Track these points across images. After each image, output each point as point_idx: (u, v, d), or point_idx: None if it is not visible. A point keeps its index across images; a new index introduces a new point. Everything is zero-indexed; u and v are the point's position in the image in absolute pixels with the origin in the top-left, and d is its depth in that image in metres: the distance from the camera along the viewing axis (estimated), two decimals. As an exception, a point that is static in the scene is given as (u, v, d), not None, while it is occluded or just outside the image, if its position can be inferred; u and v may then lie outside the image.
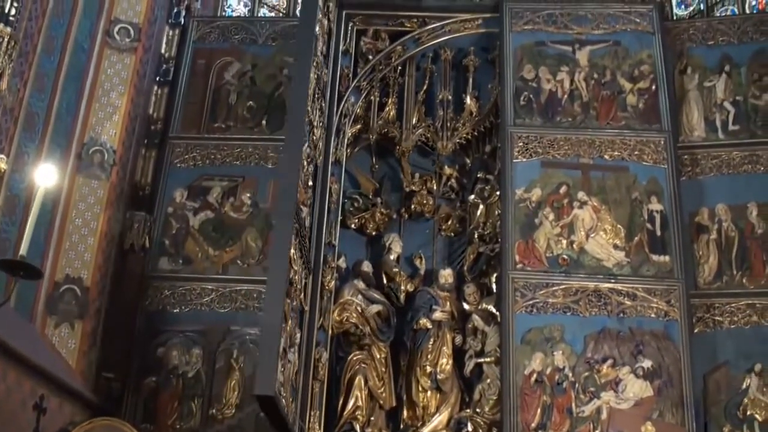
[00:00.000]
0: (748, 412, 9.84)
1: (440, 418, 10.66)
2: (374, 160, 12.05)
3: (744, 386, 9.95)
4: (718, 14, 13.69)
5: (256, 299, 10.57)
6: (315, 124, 10.39)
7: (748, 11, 13.37)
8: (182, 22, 11.77)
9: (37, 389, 8.37)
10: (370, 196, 11.83)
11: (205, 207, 11.04)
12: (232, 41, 11.90)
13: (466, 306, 11.19)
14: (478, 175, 11.75)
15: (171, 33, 11.60)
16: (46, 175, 6.45)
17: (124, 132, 10.47)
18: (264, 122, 11.46)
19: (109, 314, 10.12)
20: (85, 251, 9.85)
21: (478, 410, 10.62)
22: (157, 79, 11.33)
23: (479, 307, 11.07)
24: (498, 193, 11.09)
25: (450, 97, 11.93)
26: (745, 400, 9.89)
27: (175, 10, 11.67)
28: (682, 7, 14.33)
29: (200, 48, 11.80)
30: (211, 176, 11.18)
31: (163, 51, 11.47)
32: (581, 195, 10.66)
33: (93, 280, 9.86)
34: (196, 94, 11.54)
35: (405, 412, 10.76)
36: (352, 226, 11.69)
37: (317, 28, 10.10)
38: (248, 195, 11.07)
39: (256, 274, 10.67)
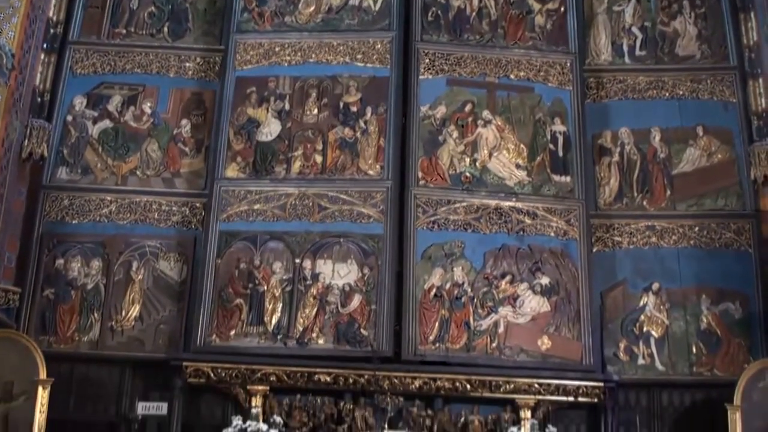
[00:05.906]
0: (645, 329, 10.19)
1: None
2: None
3: (641, 304, 10.27)
4: (631, -61, 13.72)
5: (156, 211, 10.49)
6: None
7: (661, -61, 13.44)
8: None
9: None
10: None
11: (105, 116, 10.85)
12: (137, -58, 11.56)
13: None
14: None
15: (74, -70, 11.11)
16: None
17: (23, 35, 9.97)
18: (166, 29, 11.24)
19: (7, 225, 9.84)
20: (-17, 161, 9.55)
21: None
22: (58, -21, 10.87)
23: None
24: (402, 108, 11.03)
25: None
26: (642, 317, 10.23)
27: None
28: (595, -70, 14.33)
29: (103, -52, 11.42)
30: (111, 84, 10.97)
31: (65, -51, 11.00)
32: (486, 114, 10.66)
33: (-11, 191, 9.59)
34: (97, -3, 11.23)
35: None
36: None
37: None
38: (149, 105, 10.90)
39: (156, 186, 10.61)
